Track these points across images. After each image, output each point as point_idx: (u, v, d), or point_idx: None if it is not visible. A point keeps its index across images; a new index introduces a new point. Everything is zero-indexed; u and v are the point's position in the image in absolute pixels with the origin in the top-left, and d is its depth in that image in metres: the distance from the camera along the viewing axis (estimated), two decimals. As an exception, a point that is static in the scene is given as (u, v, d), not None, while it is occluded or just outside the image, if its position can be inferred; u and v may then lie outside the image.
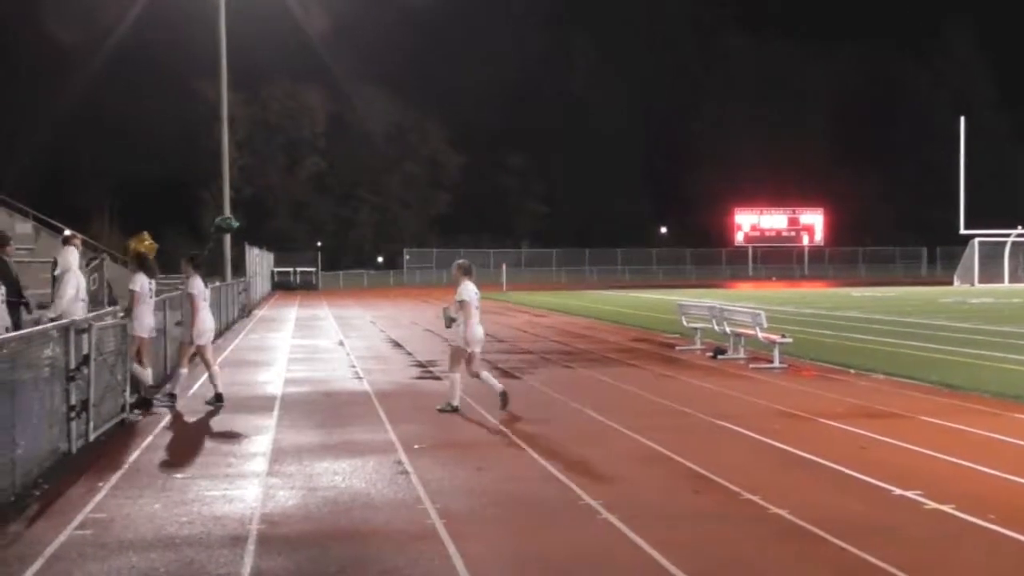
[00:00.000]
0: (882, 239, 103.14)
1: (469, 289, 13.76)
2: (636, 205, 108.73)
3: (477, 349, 13.79)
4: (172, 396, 14.43)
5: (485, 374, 13.86)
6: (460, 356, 13.74)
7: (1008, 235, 67.63)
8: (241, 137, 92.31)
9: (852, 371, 17.98)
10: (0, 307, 12.97)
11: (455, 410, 13.47)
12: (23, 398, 9.07)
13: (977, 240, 68.13)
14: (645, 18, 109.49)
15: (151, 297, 14.62)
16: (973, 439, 11.37)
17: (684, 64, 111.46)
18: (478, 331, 13.73)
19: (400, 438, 11.63)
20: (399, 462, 10.33)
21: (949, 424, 12.24)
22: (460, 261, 14.40)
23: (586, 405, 14.00)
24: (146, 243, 14.80)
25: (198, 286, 14.76)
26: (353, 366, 19.82)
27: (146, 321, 14.35)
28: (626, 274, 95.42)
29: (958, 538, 7.60)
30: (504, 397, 13.55)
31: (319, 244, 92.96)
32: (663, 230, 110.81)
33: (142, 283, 14.30)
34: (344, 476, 9.73)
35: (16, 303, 14.98)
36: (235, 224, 19.15)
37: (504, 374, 18.30)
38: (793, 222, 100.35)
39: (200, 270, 15.03)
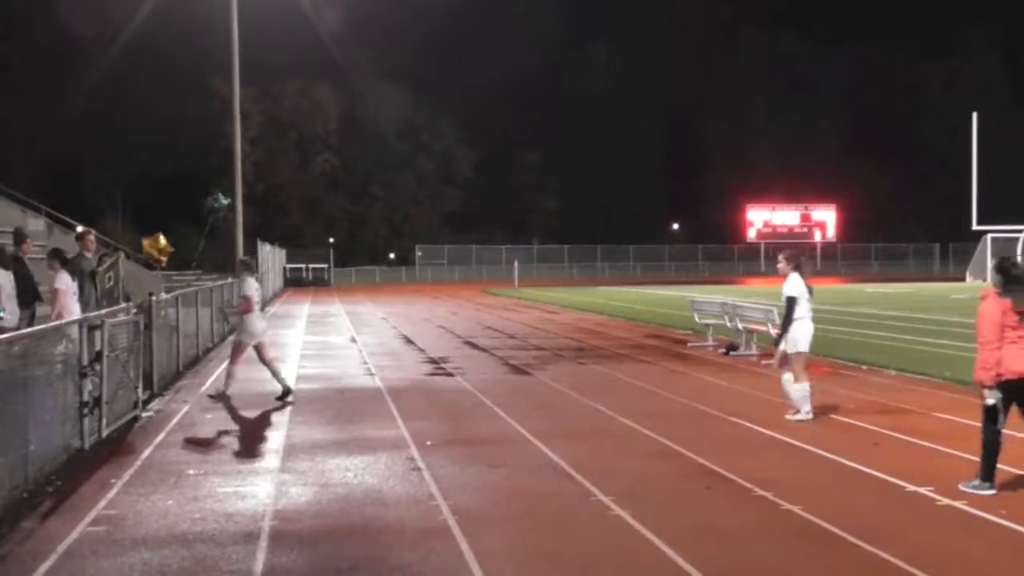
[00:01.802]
0: (894, 235, 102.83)
1: (251, 285, 14.64)
2: (648, 202, 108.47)
3: (263, 341, 14.86)
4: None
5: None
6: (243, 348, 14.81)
7: (1021, 231, 67.36)
8: (254, 134, 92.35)
9: (864, 367, 17.95)
10: (10, 303, 13.01)
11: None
12: (36, 395, 9.10)
13: (990, 236, 67.90)
14: (659, 15, 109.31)
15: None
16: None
17: (697, 61, 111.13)
18: (259, 325, 14.77)
19: (412, 434, 11.64)
20: (411, 458, 10.33)
21: (962, 420, 12.19)
22: (243, 258, 14.84)
23: (598, 401, 13.99)
24: (161, 244, 14.76)
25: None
26: (365, 362, 19.83)
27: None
28: (638, 270, 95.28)
29: (970, 534, 7.59)
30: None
31: (331, 240, 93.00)
32: (675, 226, 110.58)
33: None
34: (356, 472, 9.74)
35: (30, 300, 15.06)
36: (225, 201, 18.94)
37: (516, 370, 18.32)
38: (805, 218, 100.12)
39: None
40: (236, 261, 15.52)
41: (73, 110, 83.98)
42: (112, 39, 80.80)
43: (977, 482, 8.73)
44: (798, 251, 13.92)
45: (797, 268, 12.62)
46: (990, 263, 66.16)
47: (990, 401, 8.65)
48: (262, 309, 16.48)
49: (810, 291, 12.57)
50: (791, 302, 12.38)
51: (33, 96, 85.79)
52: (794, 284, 12.47)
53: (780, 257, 12.91)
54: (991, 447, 8.73)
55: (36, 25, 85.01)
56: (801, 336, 12.39)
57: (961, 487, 8.75)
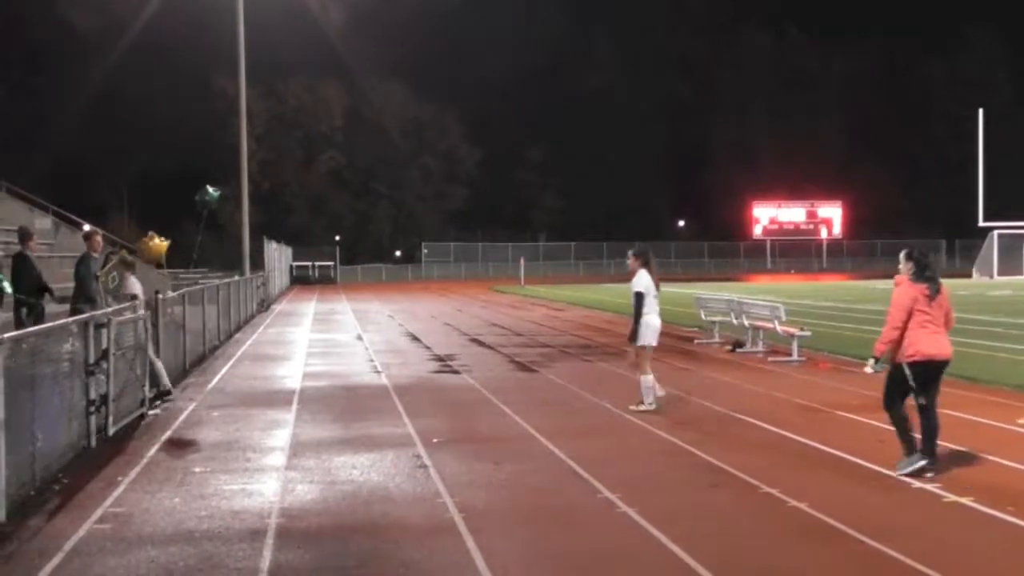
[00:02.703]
0: (901, 232, 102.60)
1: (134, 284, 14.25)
2: (654, 198, 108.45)
3: None
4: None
5: None
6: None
7: (1028, 227, 67.35)
8: (259, 132, 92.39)
9: (871, 364, 17.91)
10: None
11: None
12: (42, 393, 9.11)
13: (996, 232, 67.81)
14: (664, 11, 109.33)
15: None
16: (991, 431, 11.33)
17: (703, 57, 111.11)
18: None
19: (418, 432, 11.64)
20: (417, 456, 10.34)
21: (968, 416, 12.19)
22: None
23: (604, 399, 14.00)
24: (155, 241, 14.52)
25: None
26: (371, 360, 19.85)
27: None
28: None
29: (977, 531, 7.58)
30: None
31: (337, 238, 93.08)
32: (681, 223, 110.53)
33: None
34: (363, 470, 9.75)
35: (26, 301, 15.13)
36: (215, 194, 17.87)
37: (522, 367, 18.33)
38: (811, 215, 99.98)
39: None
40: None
41: (79, 109, 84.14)
42: (118, 38, 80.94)
43: (910, 460, 9.27)
44: (646, 247, 14.54)
45: (645, 264, 13.02)
46: (996, 259, 66.22)
47: (867, 370, 9.82)
48: (267, 307, 15.99)
49: (657, 287, 13.00)
50: (639, 298, 12.83)
51: (39, 95, 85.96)
52: (641, 280, 12.93)
53: (629, 253, 13.36)
54: (901, 423, 9.45)
55: (41, 24, 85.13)
56: (646, 331, 12.85)
57: (897, 470, 9.25)
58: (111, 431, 11.23)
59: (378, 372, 17.82)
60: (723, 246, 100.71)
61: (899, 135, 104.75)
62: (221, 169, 74.96)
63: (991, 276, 65.71)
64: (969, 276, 67.87)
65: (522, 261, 70.73)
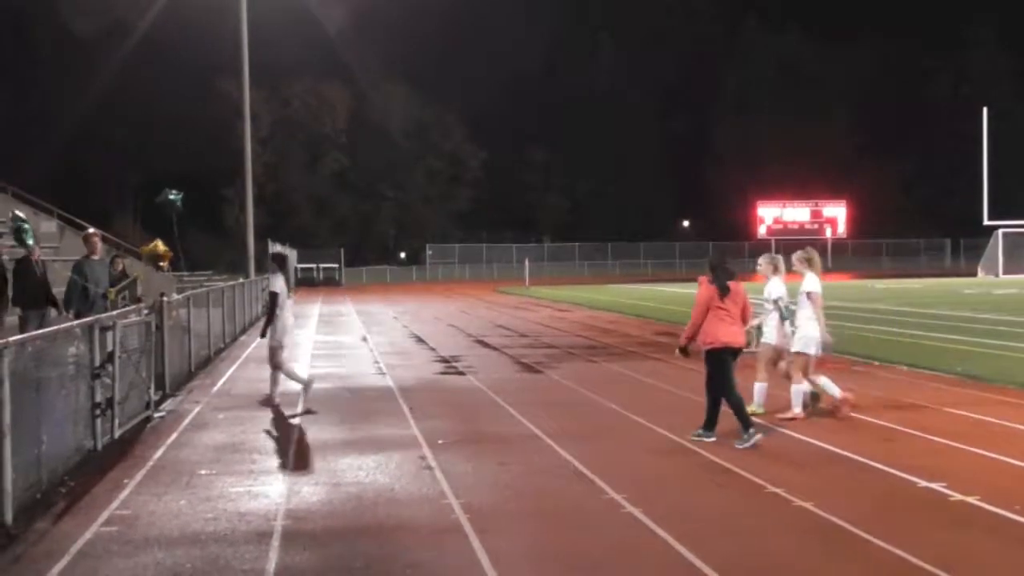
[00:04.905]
0: (905, 231, 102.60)
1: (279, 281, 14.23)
2: (659, 199, 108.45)
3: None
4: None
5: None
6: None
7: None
8: (263, 134, 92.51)
9: (876, 363, 17.92)
10: None
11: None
12: (48, 396, 9.12)
13: (1001, 231, 67.78)
14: (667, 12, 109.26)
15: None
16: (998, 430, 11.31)
17: (706, 57, 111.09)
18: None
19: (424, 433, 11.64)
20: (423, 457, 10.34)
21: (974, 415, 12.18)
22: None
23: (610, 399, 13.99)
24: (160, 250, 14.45)
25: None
26: (376, 362, 19.85)
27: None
28: (649, 268, 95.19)
29: (984, 530, 7.57)
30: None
31: (342, 240, 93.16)
32: (685, 224, 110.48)
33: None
34: (368, 471, 9.75)
35: (41, 303, 15.12)
36: (176, 196, 16.81)
37: (527, 368, 18.33)
38: (816, 215, 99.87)
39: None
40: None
41: (83, 112, 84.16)
42: (121, 41, 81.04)
43: (748, 435, 10.58)
44: (280, 255, 14.96)
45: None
46: (1001, 258, 66.17)
47: (677, 352, 11.49)
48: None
49: (289, 290, 13.98)
50: (274, 297, 13.57)
51: (43, 98, 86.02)
52: (276, 282, 13.82)
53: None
54: (715, 406, 11.08)
55: (45, 27, 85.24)
56: (283, 329, 13.80)
57: (736, 445, 10.53)
58: (117, 434, 11.23)
59: (383, 373, 17.82)
60: (728, 246, 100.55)
61: (904, 134, 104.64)
62: (225, 172, 75.12)
63: (996, 275, 65.66)
64: (974, 275, 67.82)
65: (526, 262, 70.72)
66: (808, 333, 12.17)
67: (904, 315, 29.69)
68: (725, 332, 10.90)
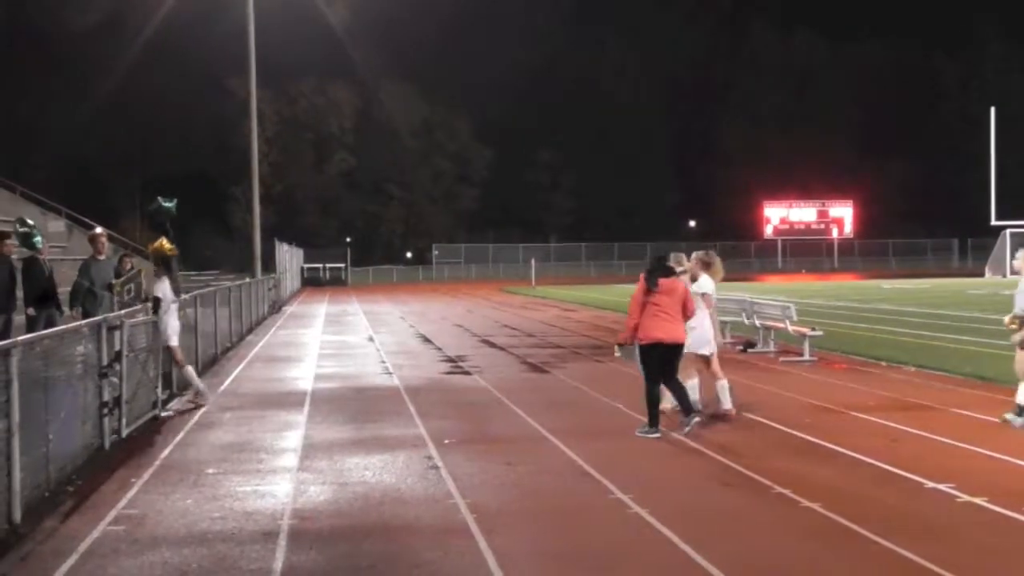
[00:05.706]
0: (912, 231, 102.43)
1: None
2: (665, 199, 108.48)
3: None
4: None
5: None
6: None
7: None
8: (270, 134, 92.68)
9: (883, 364, 17.89)
10: None
11: None
12: (56, 395, 9.13)
13: (1009, 231, 67.56)
14: (673, 12, 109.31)
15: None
16: (1006, 432, 11.28)
17: (713, 58, 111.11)
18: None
19: (430, 433, 11.64)
20: (429, 457, 10.34)
21: (981, 417, 12.16)
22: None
23: (616, 399, 13.98)
24: (166, 247, 14.26)
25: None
26: (383, 362, 19.86)
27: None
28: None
29: (991, 531, 7.55)
30: None
31: (348, 240, 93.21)
32: (692, 223, 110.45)
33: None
34: (375, 471, 9.75)
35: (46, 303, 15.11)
36: (169, 203, 16.53)
37: (533, 368, 18.33)
38: (822, 214, 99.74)
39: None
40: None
41: (91, 112, 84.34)
42: (129, 41, 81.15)
43: (647, 428, 11.25)
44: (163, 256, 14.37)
45: (168, 272, 13.59)
46: (1009, 259, 65.95)
47: (616, 354, 12.19)
48: (278, 309, 15.62)
49: (176, 293, 13.92)
50: (157, 302, 13.47)
51: (51, 98, 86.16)
52: (161, 287, 13.65)
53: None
54: (654, 399, 11.32)
55: (53, 27, 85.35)
56: (174, 329, 13.80)
57: (637, 432, 11.29)
58: (124, 433, 11.26)
59: (390, 373, 17.83)
60: (734, 246, 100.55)
61: (911, 134, 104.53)
62: (232, 171, 75.23)
63: (1004, 275, 65.46)
64: (981, 275, 67.67)
65: (533, 262, 70.71)
66: (703, 334, 12.41)
67: (911, 315, 29.64)
68: (658, 328, 11.16)
